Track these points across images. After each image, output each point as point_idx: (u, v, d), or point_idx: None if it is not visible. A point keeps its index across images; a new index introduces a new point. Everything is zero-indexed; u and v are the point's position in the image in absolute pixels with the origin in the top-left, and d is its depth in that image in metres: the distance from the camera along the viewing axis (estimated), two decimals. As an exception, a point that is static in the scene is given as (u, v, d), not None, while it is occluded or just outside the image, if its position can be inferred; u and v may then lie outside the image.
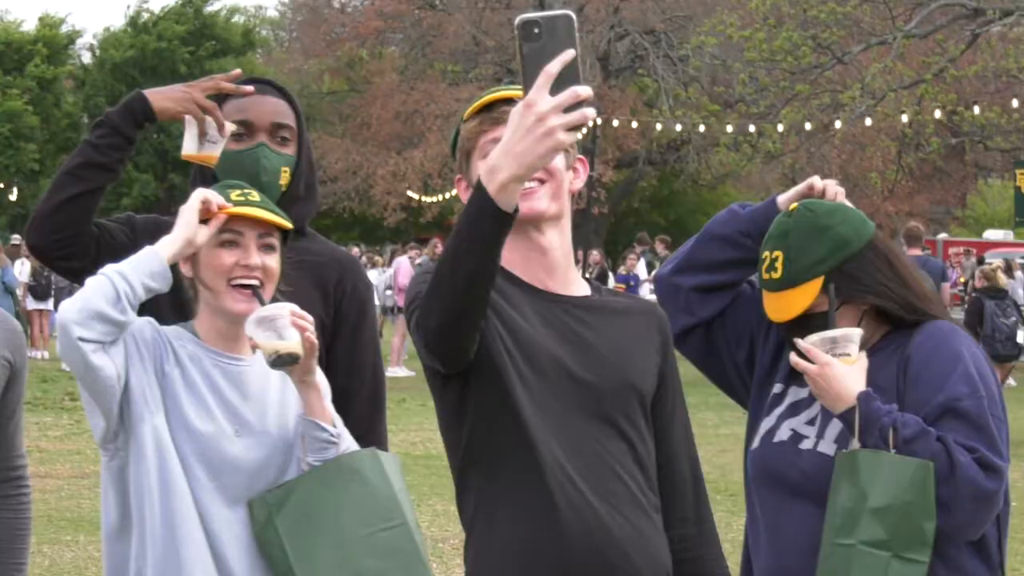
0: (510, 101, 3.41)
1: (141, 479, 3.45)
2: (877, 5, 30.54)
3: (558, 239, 3.53)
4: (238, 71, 4.16)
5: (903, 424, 3.61)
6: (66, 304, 3.37)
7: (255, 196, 3.62)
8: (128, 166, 4.30)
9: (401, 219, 46.91)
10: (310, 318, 3.48)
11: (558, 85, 2.86)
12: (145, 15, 59.07)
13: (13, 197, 51.98)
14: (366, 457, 3.57)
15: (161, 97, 4.05)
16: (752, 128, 31.70)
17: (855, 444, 3.66)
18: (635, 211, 53.62)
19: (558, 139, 2.89)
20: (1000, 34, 31.76)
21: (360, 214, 48.82)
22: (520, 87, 3.02)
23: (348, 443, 3.58)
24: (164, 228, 3.98)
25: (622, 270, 29.98)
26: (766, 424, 3.89)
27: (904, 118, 30.22)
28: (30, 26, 60.23)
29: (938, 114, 30.84)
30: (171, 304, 3.74)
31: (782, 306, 3.80)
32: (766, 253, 3.83)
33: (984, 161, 50.62)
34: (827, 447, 3.75)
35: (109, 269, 3.41)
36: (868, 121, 30.69)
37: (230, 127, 4.05)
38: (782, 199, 3.93)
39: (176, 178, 52.83)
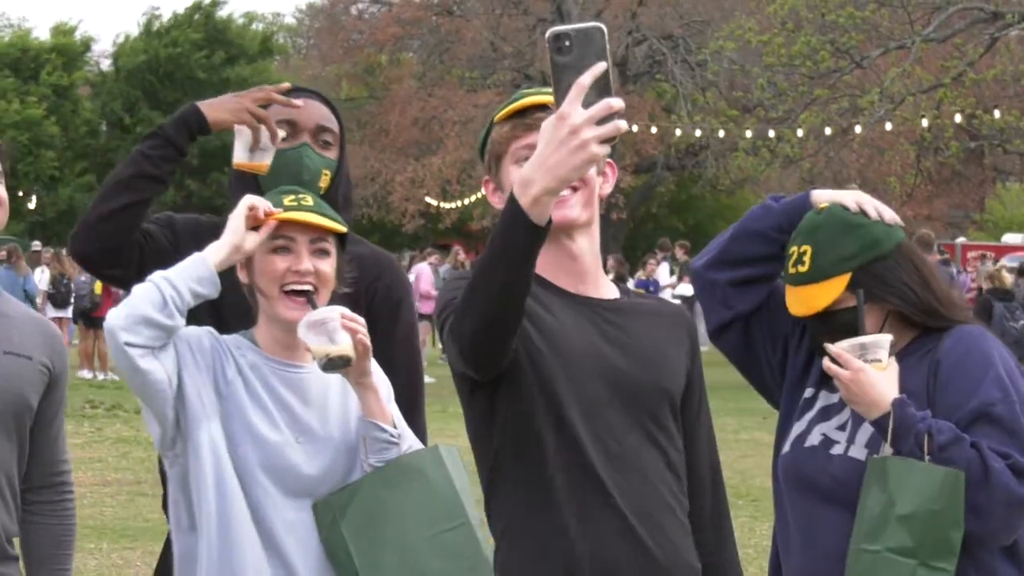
0: (543, 107, 3.43)
1: (200, 484, 3.49)
2: (895, 9, 30.46)
3: (588, 244, 3.55)
4: (287, 84, 4.20)
5: (938, 431, 3.61)
6: (114, 310, 3.42)
7: (309, 201, 3.64)
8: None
9: (419, 225, 46.89)
10: (362, 320, 3.48)
11: (590, 97, 2.86)
12: (157, 22, 59.32)
13: (32, 205, 52.09)
14: (428, 456, 3.57)
15: (214, 109, 4.09)
16: (772, 133, 31.62)
17: (887, 450, 3.65)
18: (653, 216, 53.55)
19: (591, 152, 2.89)
20: (1019, 38, 31.68)
21: (378, 220, 48.81)
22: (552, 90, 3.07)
23: (410, 442, 3.58)
24: (203, 229, 4.06)
25: (641, 275, 29.96)
26: (797, 428, 3.88)
27: (924, 123, 30.13)
28: (42, 33, 60.42)
29: (959, 118, 30.77)
30: (209, 313, 3.77)
31: (805, 299, 3.80)
32: (794, 248, 3.83)
33: (1002, 164, 50.47)
34: (858, 452, 3.75)
35: (156, 275, 3.45)
36: (888, 126, 30.61)
37: (281, 135, 4.09)
38: (818, 194, 3.91)
39: (192, 184, 52.92)
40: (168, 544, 4.09)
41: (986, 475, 3.58)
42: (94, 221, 4.06)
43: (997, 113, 31.05)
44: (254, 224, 3.53)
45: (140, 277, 3.51)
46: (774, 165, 34.46)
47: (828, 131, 31.05)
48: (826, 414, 3.86)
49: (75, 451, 15.35)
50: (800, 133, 31.06)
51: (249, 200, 3.54)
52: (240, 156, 4.09)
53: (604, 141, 2.89)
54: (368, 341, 3.47)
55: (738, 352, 4.04)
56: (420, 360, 4.26)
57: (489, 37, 47.38)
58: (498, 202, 3.49)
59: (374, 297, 4.12)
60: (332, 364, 3.44)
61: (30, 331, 4.17)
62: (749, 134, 32.35)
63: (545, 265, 3.45)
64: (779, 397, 4.02)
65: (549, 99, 3.35)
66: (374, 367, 3.57)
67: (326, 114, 4.22)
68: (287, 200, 3.61)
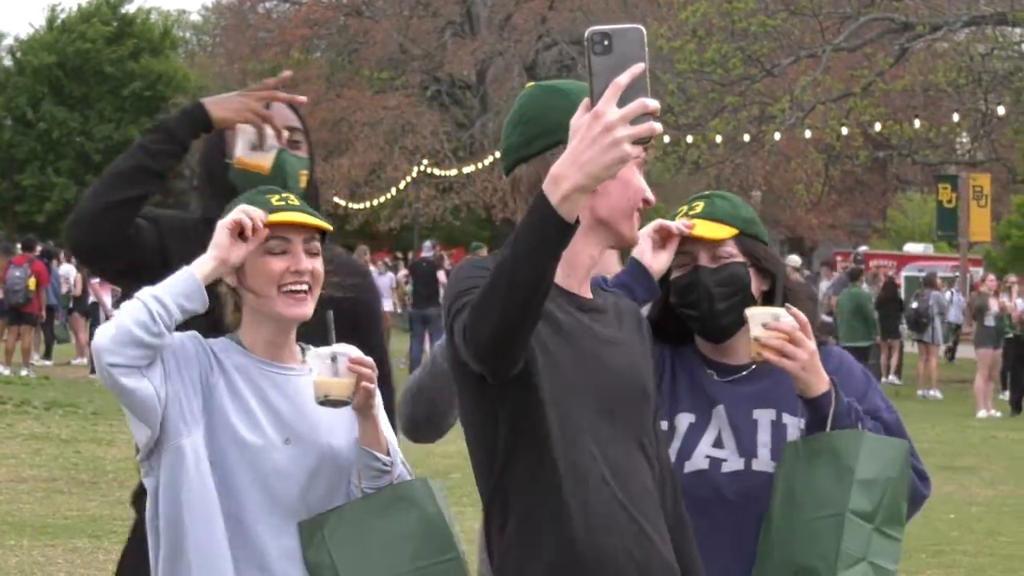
0: None
1: (177, 495, 3.46)
2: (806, 18, 30.77)
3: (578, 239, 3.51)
4: (288, 73, 4.17)
5: (866, 414, 3.70)
6: (101, 330, 3.41)
7: (294, 200, 3.62)
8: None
9: (326, 226, 46.73)
10: (370, 362, 3.48)
11: (626, 97, 2.86)
12: (62, 15, 58.99)
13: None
14: (419, 487, 3.57)
15: (220, 107, 4.08)
16: (690, 139, 31.78)
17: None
18: (560, 220, 53.66)
19: (624, 150, 2.87)
20: (928, 48, 32.07)
21: (285, 220, 48.63)
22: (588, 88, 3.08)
23: (400, 469, 3.59)
24: (188, 225, 4.08)
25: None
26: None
27: (844, 130, 30.46)
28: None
29: (879, 127, 31.16)
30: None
31: (710, 228, 3.76)
32: (683, 207, 3.86)
33: (905, 175, 51.18)
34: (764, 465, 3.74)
35: (144, 292, 3.42)
36: (808, 133, 30.92)
37: (285, 134, 4.11)
38: (637, 251, 3.85)
39: (93, 180, 52.02)
40: (131, 544, 4.08)
41: None
42: (95, 212, 4.01)
43: (917, 123, 31.45)
44: (241, 230, 3.49)
45: (129, 271, 3.50)
46: (682, 171, 34.71)
47: (747, 138, 31.29)
48: (694, 436, 3.83)
49: (-12, 447, 15.21)
50: (719, 140, 31.29)
51: (239, 214, 3.49)
52: (243, 154, 4.09)
53: (637, 141, 2.88)
54: (372, 387, 3.49)
55: None
56: (390, 361, 4.32)
57: (398, 39, 47.39)
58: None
59: (356, 304, 4.10)
60: (328, 403, 3.47)
61: None
62: (667, 140, 32.47)
63: None
64: None
65: None
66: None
67: (289, 115, 4.21)
68: (275, 200, 3.58)
